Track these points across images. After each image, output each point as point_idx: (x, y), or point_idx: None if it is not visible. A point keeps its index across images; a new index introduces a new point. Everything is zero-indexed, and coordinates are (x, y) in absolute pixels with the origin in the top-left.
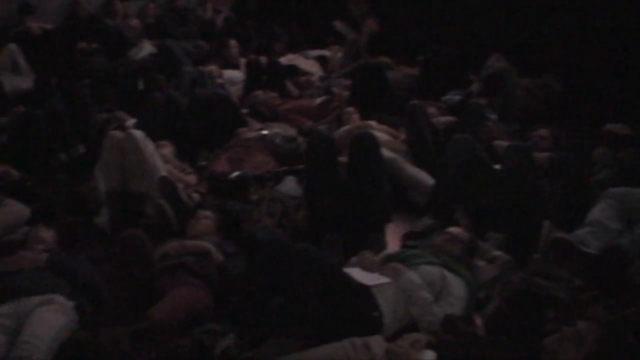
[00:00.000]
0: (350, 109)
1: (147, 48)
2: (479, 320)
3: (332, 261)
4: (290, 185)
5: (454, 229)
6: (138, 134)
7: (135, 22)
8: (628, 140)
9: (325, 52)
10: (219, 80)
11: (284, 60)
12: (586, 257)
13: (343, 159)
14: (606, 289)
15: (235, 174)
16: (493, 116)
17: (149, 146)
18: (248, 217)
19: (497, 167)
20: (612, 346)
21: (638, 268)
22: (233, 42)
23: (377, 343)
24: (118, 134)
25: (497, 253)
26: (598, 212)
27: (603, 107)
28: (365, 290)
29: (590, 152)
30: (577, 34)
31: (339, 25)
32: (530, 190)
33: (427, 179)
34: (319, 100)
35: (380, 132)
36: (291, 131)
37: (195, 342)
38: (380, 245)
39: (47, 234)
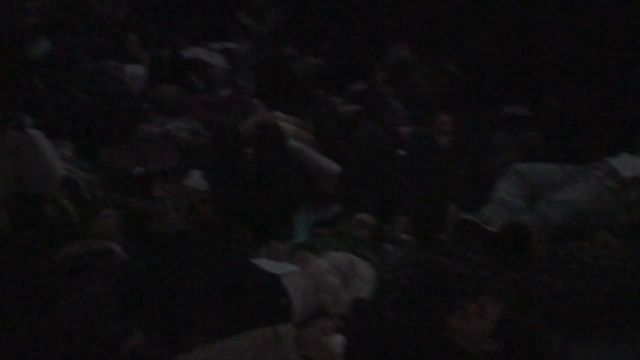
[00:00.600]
0: (255, 100)
1: (44, 45)
2: (387, 303)
3: (240, 253)
4: (195, 179)
5: (361, 215)
6: (35, 133)
7: (31, 18)
8: (527, 122)
9: (230, 45)
10: (120, 76)
11: (187, 53)
12: (489, 235)
13: (249, 150)
14: (509, 265)
15: (139, 170)
16: (397, 104)
17: (47, 146)
18: (153, 214)
19: (402, 152)
20: (516, 319)
21: (539, 243)
22: (132, 36)
23: (286, 331)
24: (14, 134)
25: (404, 236)
26: (501, 189)
27: (502, 91)
28: (274, 280)
29: (491, 134)
30: (476, 20)
31: (242, 17)
32: (434, 174)
33: (334, 167)
34: (224, 93)
35: (286, 123)
36: (196, 125)
37: (102, 342)
38: (289, 234)
39: None
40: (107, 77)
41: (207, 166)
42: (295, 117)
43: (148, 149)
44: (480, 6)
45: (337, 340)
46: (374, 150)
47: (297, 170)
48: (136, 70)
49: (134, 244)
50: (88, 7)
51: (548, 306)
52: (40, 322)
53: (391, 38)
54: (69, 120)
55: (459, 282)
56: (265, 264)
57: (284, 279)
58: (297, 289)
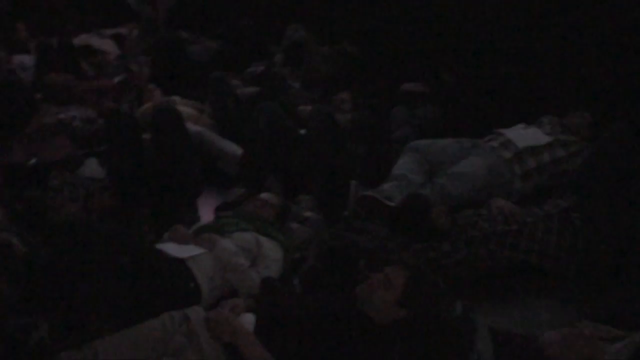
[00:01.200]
0: (151, 86)
1: None
2: (295, 281)
3: (143, 239)
4: (92, 168)
5: (264, 195)
6: None
7: None
8: (424, 98)
9: (121, 30)
10: (8, 66)
11: (77, 40)
12: (390, 209)
13: (147, 136)
14: (412, 236)
15: (32, 161)
16: (296, 84)
17: None
18: (50, 205)
19: (303, 131)
20: (419, 286)
21: (439, 213)
22: (20, 25)
23: (195, 313)
24: None
25: (309, 214)
26: (401, 166)
27: (399, 69)
28: (179, 263)
29: (389, 111)
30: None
31: (132, 1)
32: (335, 151)
33: (235, 149)
34: (117, 79)
35: (184, 107)
36: (90, 113)
37: (6, 337)
38: (193, 218)
39: None
40: None
41: (103, 154)
42: (193, 100)
43: (42, 140)
44: None
45: (248, 319)
46: (273, 130)
47: (198, 154)
48: (25, 60)
49: (32, 236)
50: None
51: (451, 273)
52: None
53: (287, 19)
54: None
55: (365, 255)
56: (170, 248)
57: (189, 262)
58: (204, 272)
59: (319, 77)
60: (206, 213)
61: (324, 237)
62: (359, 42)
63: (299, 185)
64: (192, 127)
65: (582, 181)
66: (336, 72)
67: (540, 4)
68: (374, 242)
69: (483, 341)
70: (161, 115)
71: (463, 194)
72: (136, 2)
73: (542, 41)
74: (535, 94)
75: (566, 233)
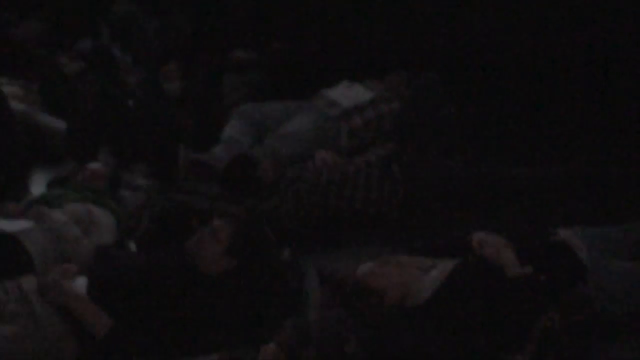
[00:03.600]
0: None
1: None
2: (131, 245)
3: None
4: None
5: (92, 165)
6: None
7: None
8: (253, 64)
9: None
10: None
11: None
12: (218, 170)
13: None
14: (241, 193)
15: None
16: (124, 57)
17: None
18: None
19: (131, 102)
20: (246, 236)
21: (267, 169)
22: None
23: (28, 281)
24: None
25: (142, 181)
26: (230, 129)
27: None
28: (9, 238)
29: (220, 78)
30: None
31: None
32: (163, 119)
33: (63, 125)
34: None
35: (10, 87)
36: None
37: None
38: (23, 194)
39: None
40: None
41: None
42: (19, 80)
43: None
44: None
45: (80, 282)
46: (99, 102)
47: (24, 132)
48: None
49: None
50: None
51: (282, 225)
52: None
53: None
54: None
55: (196, 214)
56: None
57: (20, 235)
58: (36, 244)
59: (148, 50)
60: (38, 190)
61: (156, 201)
62: (187, 14)
63: (130, 154)
64: (17, 105)
65: (398, 129)
66: (166, 44)
67: None
68: (204, 201)
69: (310, 283)
70: None
71: (291, 152)
72: None
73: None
74: (354, 58)
75: (386, 180)
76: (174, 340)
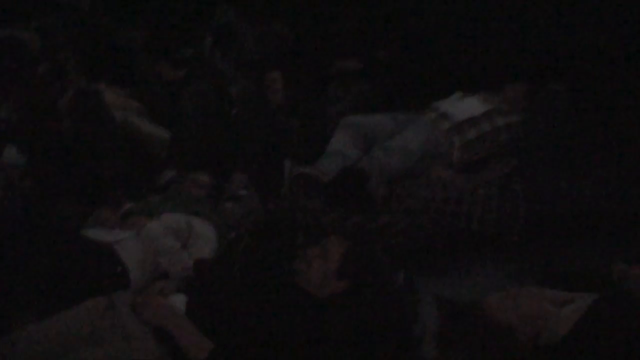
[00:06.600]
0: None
1: None
2: (231, 260)
3: (66, 225)
4: (12, 156)
5: (194, 175)
6: None
7: None
8: (358, 74)
9: (45, 21)
10: None
11: None
12: (325, 185)
13: (66, 122)
14: (350, 209)
15: None
16: (226, 66)
17: None
18: None
19: (234, 112)
20: (358, 257)
21: (376, 185)
22: None
23: (121, 298)
24: None
25: (243, 192)
26: (335, 141)
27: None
28: (105, 248)
29: (323, 88)
30: None
31: None
32: (267, 130)
33: (163, 132)
34: (40, 69)
35: (110, 93)
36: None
37: None
38: (120, 202)
39: None
40: None
41: (22, 141)
42: (121, 87)
43: None
44: None
45: (178, 300)
46: (202, 111)
47: (125, 139)
48: None
49: None
50: None
51: (392, 244)
52: None
53: (216, 1)
54: None
55: (301, 231)
56: (95, 233)
57: (116, 246)
58: (132, 255)
59: (251, 59)
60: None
61: (258, 214)
62: (291, 21)
63: (231, 164)
64: (117, 112)
65: (520, 146)
66: (268, 52)
67: None
68: (310, 217)
69: (427, 311)
70: (81, 101)
71: (400, 167)
72: None
73: (472, 14)
74: (468, 68)
75: (507, 198)
76: None
